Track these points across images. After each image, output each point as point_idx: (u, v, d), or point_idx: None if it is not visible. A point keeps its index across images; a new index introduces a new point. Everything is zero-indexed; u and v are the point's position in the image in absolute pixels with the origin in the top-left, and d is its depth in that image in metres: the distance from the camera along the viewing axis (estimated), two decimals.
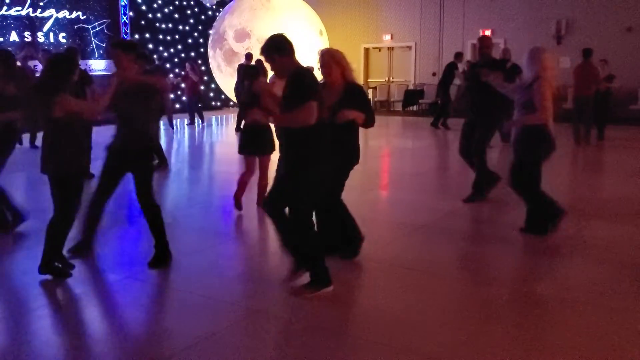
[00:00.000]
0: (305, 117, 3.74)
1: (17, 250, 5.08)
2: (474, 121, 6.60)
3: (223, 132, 14.91)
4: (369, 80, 19.33)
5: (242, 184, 6.21)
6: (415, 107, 17.77)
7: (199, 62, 17.31)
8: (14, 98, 5.19)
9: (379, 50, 19.22)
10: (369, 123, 4.31)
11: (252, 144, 6.10)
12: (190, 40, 18.40)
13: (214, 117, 17.46)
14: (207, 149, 12.19)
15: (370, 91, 19.07)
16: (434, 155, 10.97)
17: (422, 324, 3.54)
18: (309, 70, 3.98)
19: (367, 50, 19.25)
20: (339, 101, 4.21)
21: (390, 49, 18.94)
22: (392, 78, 19.04)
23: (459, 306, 3.84)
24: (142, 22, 16.92)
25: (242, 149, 6.17)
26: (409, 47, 18.37)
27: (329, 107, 4.15)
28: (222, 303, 3.86)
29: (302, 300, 3.82)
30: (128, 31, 16.31)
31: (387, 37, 18.59)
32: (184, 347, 3.25)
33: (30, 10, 14.06)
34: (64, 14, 14.78)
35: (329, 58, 4.27)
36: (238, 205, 6.20)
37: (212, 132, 14.70)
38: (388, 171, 9.47)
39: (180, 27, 18.10)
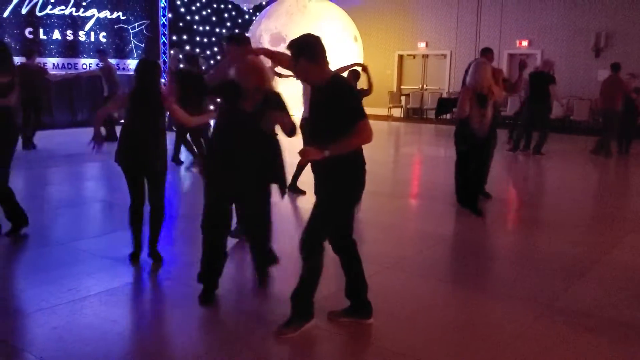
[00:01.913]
0: (365, 139, 3.30)
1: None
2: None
3: None
4: (402, 87, 19.27)
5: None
6: (448, 116, 17.63)
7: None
8: (7, 86, 5.09)
9: (414, 58, 19.15)
10: (293, 130, 3.76)
11: None
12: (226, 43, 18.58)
13: None
14: None
15: (403, 98, 19.01)
16: None
17: (450, 339, 3.53)
18: (347, 79, 3.62)
19: (401, 57, 19.20)
20: (257, 109, 3.77)
21: (425, 56, 18.86)
22: (426, 86, 18.95)
23: (489, 321, 3.82)
24: (181, 24, 17.17)
25: None
26: (444, 56, 18.27)
27: (248, 115, 3.74)
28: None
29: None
30: (166, 32, 16.58)
31: (422, 44, 18.51)
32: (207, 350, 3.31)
33: (74, 9, 14.39)
34: (105, 14, 15.09)
35: (247, 65, 3.78)
36: None
37: None
38: (419, 179, 9.43)
39: (217, 29, 18.31)
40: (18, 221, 5.38)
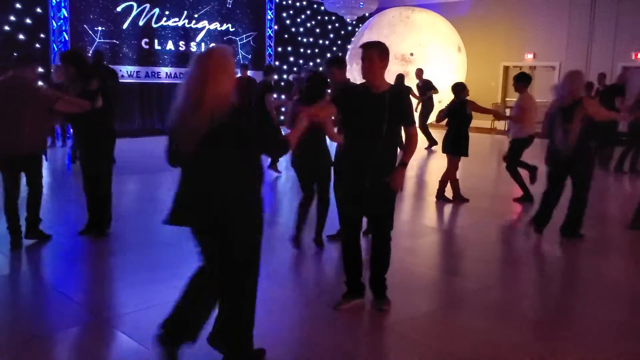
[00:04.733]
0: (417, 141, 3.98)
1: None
2: None
3: None
4: (506, 99, 18.68)
5: (453, 180, 7.74)
6: None
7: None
8: (95, 92, 5.39)
9: (520, 69, 18.52)
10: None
11: (460, 146, 7.60)
12: (329, 54, 18.90)
13: None
14: None
15: (507, 111, 18.40)
16: None
17: None
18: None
19: (506, 68, 18.63)
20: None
21: (532, 68, 18.19)
22: None
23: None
24: (286, 36, 17.66)
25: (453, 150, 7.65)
26: (553, 67, 17.54)
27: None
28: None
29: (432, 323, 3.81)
30: (272, 44, 17.10)
31: (530, 55, 17.89)
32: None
33: (186, 22, 15.20)
34: (215, 25, 15.81)
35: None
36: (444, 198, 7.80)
37: None
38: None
39: (321, 41, 18.67)
40: (99, 225, 5.74)
